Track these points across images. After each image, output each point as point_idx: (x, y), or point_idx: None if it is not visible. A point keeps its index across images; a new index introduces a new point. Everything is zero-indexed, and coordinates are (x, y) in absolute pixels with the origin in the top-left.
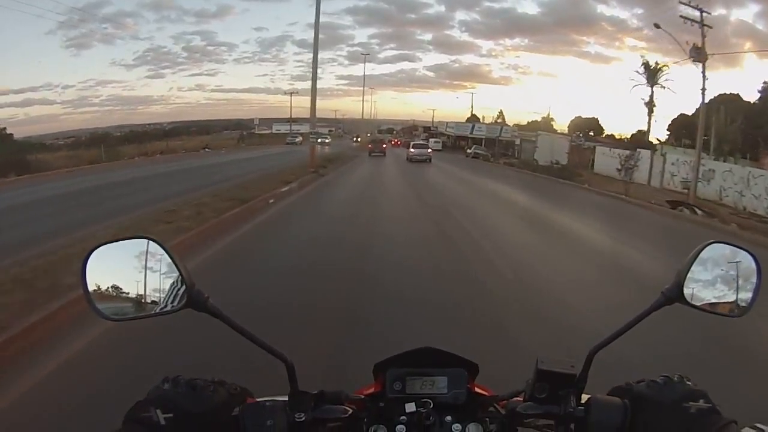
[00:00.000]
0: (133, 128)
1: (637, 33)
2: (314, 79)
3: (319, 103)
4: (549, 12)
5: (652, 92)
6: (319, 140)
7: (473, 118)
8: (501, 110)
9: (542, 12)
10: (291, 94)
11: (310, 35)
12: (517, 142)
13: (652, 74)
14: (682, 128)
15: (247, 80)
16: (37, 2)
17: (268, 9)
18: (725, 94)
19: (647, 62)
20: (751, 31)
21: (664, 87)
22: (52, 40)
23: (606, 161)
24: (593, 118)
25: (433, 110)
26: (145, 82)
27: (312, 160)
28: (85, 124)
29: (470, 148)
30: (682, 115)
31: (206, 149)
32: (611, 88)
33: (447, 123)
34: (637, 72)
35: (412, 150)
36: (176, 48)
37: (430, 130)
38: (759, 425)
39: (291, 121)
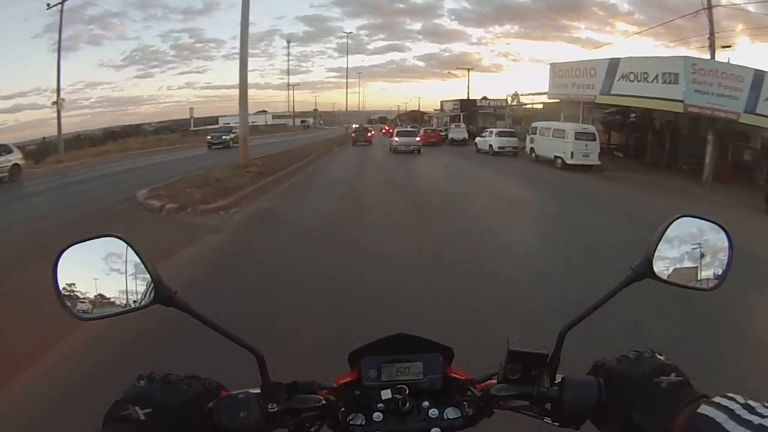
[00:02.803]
0: (125, 128)
1: (627, 17)
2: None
3: (309, 96)
4: None
5: None
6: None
7: (468, 102)
8: (516, 91)
9: None
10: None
11: (298, 29)
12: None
13: None
14: None
15: (236, 76)
16: (22, 6)
17: (255, 3)
18: None
19: None
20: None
21: None
22: (39, 44)
23: None
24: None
25: (419, 98)
26: (135, 82)
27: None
28: (76, 127)
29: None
30: None
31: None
32: None
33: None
34: None
35: (396, 139)
36: (164, 46)
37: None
38: (730, 394)
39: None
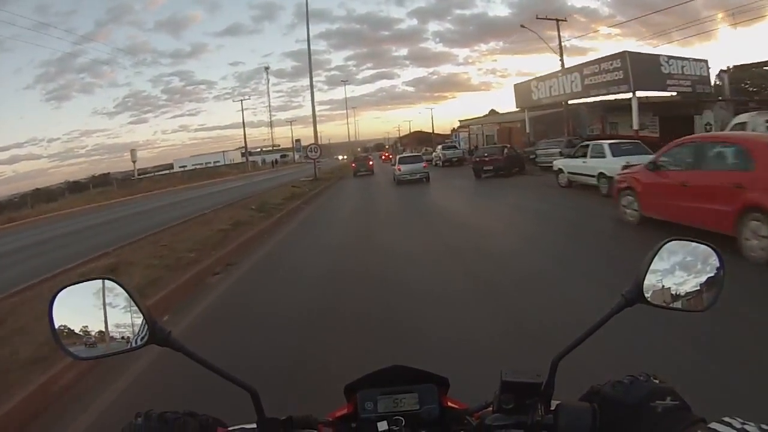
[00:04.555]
0: (125, 174)
1: (608, 20)
2: None
3: (303, 130)
4: (519, 11)
5: None
6: None
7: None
8: (492, 109)
9: (513, 12)
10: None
11: (286, 65)
12: None
13: None
14: None
15: (229, 116)
16: (12, 57)
17: (241, 43)
18: None
19: None
20: None
21: None
22: (32, 95)
23: None
24: None
25: (410, 121)
26: (129, 128)
27: None
28: (73, 175)
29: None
30: None
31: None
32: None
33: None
34: None
35: (400, 167)
36: (155, 91)
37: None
38: (726, 419)
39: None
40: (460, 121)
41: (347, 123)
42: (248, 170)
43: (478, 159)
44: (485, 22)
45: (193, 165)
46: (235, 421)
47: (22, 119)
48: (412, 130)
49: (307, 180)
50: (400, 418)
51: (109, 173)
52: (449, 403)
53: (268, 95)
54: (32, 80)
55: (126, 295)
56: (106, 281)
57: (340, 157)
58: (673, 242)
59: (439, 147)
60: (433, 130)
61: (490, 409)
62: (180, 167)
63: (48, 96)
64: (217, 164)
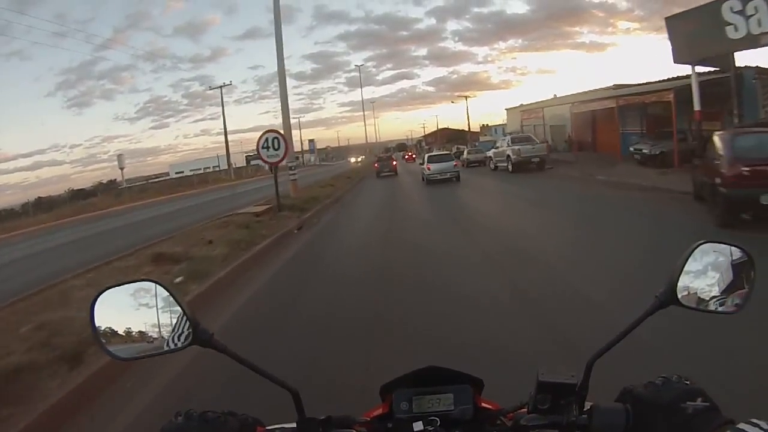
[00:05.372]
0: (148, 179)
1: (628, 14)
2: None
3: (323, 132)
4: (538, 8)
5: None
6: None
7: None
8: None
9: (531, 9)
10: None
11: (305, 67)
12: None
13: None
14: None
15: (250, 119)
16: (31, 66)
17: (260, 46)
18: None
19: None
20: None
21: None
22: (53, 102)
23: None
24: None
25: (437, 116)
26: (151, 133)
27: None
28: (95, 180)
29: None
30: None
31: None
32: (614, 74)
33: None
34: None
35: (429, 167)
36: (176, 96)
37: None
38: (754, 420)
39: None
40: (507, 109)
41: (364, 123)
42: (232, 178)
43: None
44: (504, 20)
45: (191, 170)
46: (272, 422)
47: (43, 126)
48: (439, 127)
49: (251, 215)
50: (436, 418)
51: (115, 180)
52: (483, 404)
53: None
54: (53, 87)
55: (168, 296)
56: (149, 283)
57: (353, 160)
58: (706, 244)
59: (506, 139)
60: (468, 125)
61: (524, 409)
62: (176, 173)
63: (69, 103)
64: (214, 170)
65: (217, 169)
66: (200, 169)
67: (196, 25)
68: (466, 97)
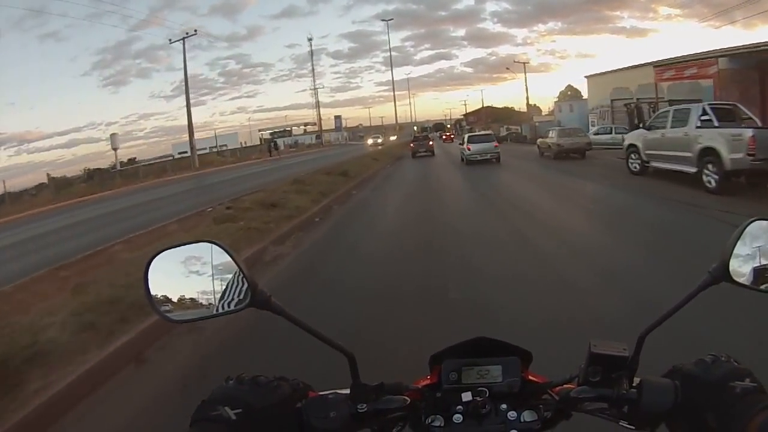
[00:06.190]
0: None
1: (670, 0)
2: None
3: (361, 112)
4: None
5: None
6: None
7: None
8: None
9: None
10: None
11: (342, 46)
12: None
13: None
14: None
15: (287, 97)
16: (68, 46)
17: (297, 25)
18: None
19: None
20: None
21: None
22: (89, 81)
23: None
24: None
25: (482, 91)
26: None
27: None
28: (131, 157)
29: None
30: None
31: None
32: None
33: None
34: None
35: (470, 147)
36: (212, 74)
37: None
38: None
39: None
40: (586, 77)
41: (394, 101)
42: (207, 164)
43: None
44: (543, 2)
45: (200, 149)
46: (320, 388)
47: (80, 104)
48: (484, 105)
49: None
50: (484, 389)
51: (135, 158)
52: (531, 377)
53: (313, 72)
54: (89, 67)
55: (226, 257)
56: (206, 243)
57: (370, 141)
58: (759, 221)
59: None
60: (528, 101)
61: (571, 384)
62: (179, 153)
63: (105, 82)
64: (223, 149)
65: (225, 149)
66: (206, 148)
67: (232, 4)
68: (524, 64)
